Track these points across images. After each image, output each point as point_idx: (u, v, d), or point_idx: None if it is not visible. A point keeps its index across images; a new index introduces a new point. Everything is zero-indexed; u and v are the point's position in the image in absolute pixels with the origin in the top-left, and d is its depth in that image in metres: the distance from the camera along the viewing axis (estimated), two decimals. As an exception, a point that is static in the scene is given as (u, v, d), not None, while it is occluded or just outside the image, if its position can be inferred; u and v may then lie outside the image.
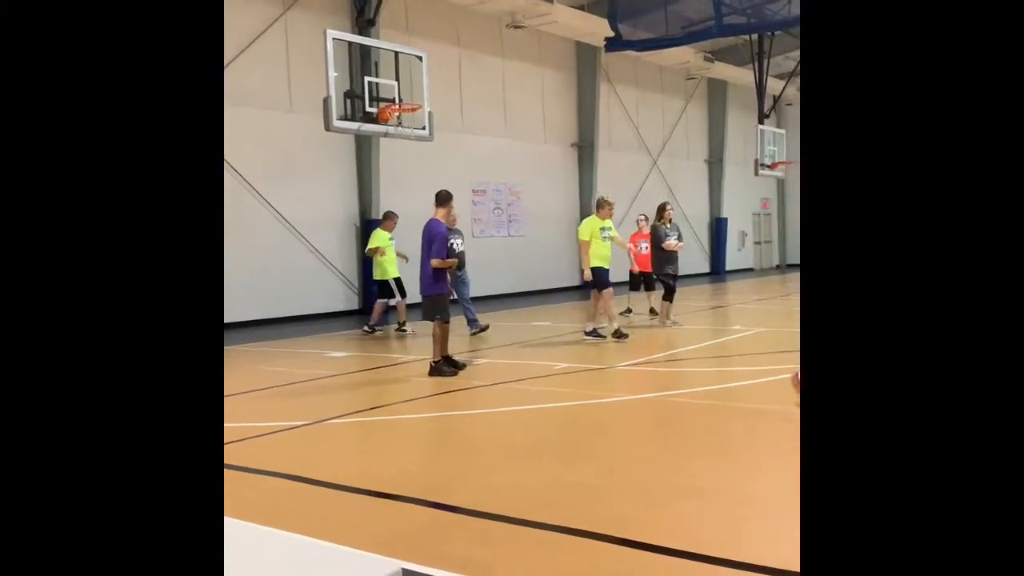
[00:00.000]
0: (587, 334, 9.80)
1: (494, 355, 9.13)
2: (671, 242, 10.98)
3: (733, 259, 26.53)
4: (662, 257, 11.16)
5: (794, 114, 27.86)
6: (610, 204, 10.02)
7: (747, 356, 8.38)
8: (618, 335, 9.51)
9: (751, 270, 27.63)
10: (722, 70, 23.25)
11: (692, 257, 24.99)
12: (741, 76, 23.20)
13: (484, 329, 10.61)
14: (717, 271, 25.49)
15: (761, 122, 20.69)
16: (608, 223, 9.93)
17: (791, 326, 11.45)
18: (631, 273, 13.14)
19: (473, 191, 17.41)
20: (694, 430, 5.36)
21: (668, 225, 11.13)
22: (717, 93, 25.57)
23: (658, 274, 11.34)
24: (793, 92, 25.79)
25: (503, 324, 12.08)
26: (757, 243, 28.61)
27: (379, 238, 11.39)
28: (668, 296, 11.13)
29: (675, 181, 23.93)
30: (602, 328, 9.88)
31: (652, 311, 12.79)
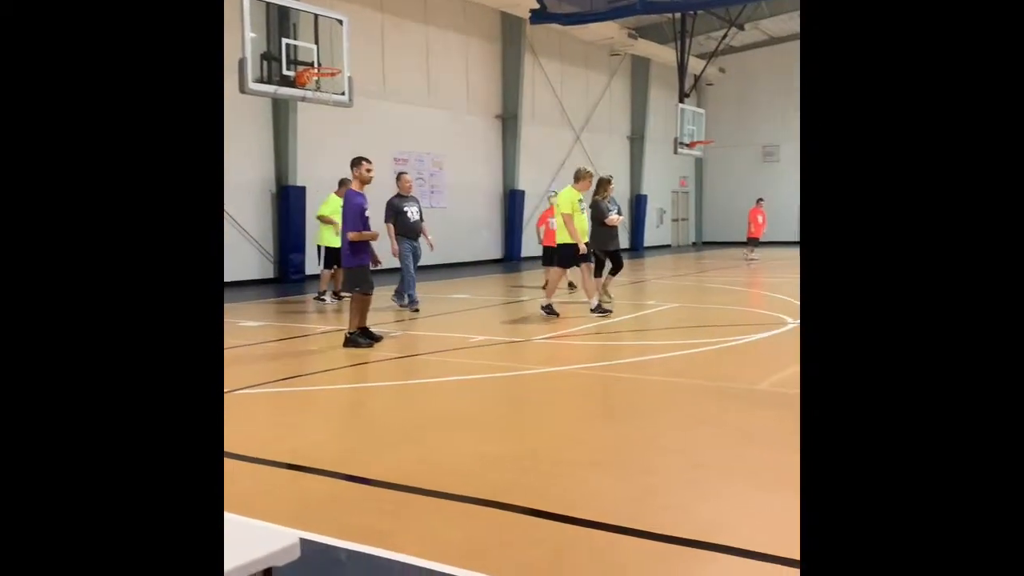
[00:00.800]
0: (593, 311, 9.46)
1: (411, 327, 9.05)
2: (614, 217, 10.65)
3: (651, 236, 27.01)
4: (603, 232, 10.76)
5: (714, 94, 28.40)
6: (590, 175, 9.51)
7: (662, 331, 8.55)
8: (548, 310, 9.38)
9: (668, 247, 28.19)
10: (645, 47, 23.48)
11: (612, 233, 25.33)
12: (663, 54, 23.48)
13: (415, 310, 10.12)
14: (636, 247, 25.90)
15: (682, 101, 21.00)
16: (582, 196, 9.50)
17: (704, 302, 11.75)
18: (544, 248, 13.19)
19: (395, 160, 17.14)
20: (608, 402, 5.44)
21: (608, 200, 10.83)
22: (640, 70, 25.82)
23: (598, 249, 10.84)
24: (713, 72, 26.26)
25: (422, 296, 11.98)
26: (675, 220, 29.17)
27: (333, 204, 10.80)
28: (599, 271, 10.94)
29: (597, 156, 24.10)
30: (606, 303, 9.66)
31: (571, 285, 12.91)
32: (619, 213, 10.83)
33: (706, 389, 5.63)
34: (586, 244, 9.38)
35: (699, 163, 28.95)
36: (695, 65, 23.09)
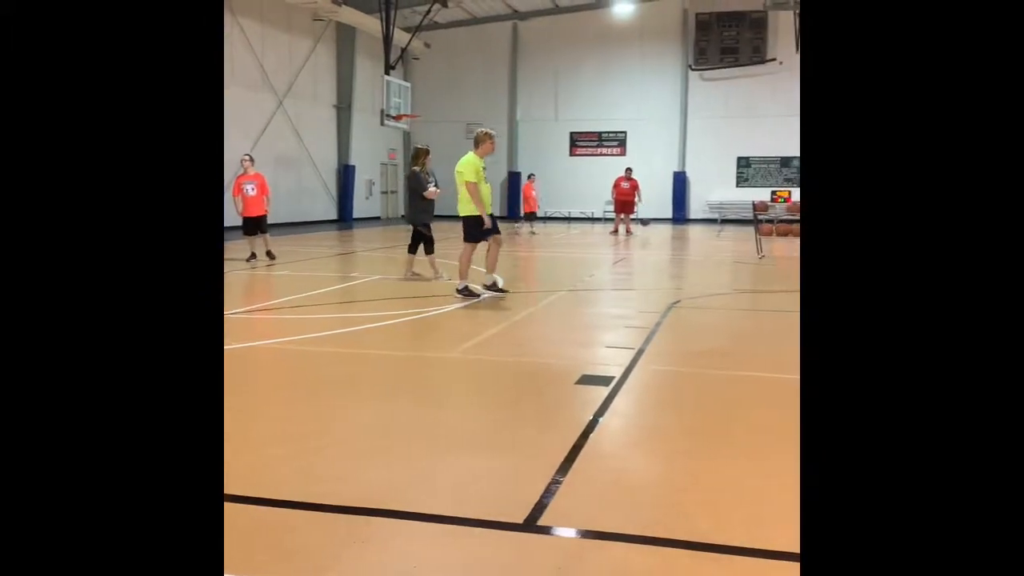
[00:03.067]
0: (487, 287, 8.64)
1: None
2: (433, 189, 10.17)
3: (361, 207, 26.83)
4: (421, 206, 10.21)
5: (420, 68, 28.75)
6: (491, 138, 8.60)
7: (364, 303, 8.51)
8: (465, 292, 8.43)
9: (378, 219, 28.21)
10: (350, 15, 23.05)
11: (320, 204, 24.72)
12: (369, 23, 23.23)
13: None
14: (344, 219, 25.57)
15: (387, 72, 20.97)
16: (484, 162, 8.58)
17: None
18: (244, 218, 12.53)
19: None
20: (296, 377, 5.28)
21: (426, 171, 10.22)
22: (346, 39, 25.34)
23: (416, 224, 10.26)
24: (419, 46, 26.55)
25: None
26: (384, 192, 29.24)
27: None
28: (430, 248, 10.21)
29: (302, 124, 23.35)
30: (473, 282, 8.67)
31: (269, 254, 12.42)
32: (436, 186, 10.29)
33: (399, 359, 5.69)
34: (469, 218, 8.45)
35: (407, 136, 29.22)
36: (401, 38, 23.16)
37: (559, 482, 3.17)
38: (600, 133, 28.22)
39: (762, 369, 5.41)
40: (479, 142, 8.56)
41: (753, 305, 8.96)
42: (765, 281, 11.23)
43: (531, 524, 2.77)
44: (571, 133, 28.61)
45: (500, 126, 29.01)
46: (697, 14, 26.72)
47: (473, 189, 8.35)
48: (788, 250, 15.55)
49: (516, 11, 28.23)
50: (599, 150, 28.28)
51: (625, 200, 20.43)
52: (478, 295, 8.44)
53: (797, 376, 5.45)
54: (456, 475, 3.29)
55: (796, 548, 2.62)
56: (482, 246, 8.76)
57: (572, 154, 28.67)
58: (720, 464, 3.47)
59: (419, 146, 10.57)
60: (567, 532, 2.73)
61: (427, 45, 27.68)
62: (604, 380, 4.95)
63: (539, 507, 2.91)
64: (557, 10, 28.03)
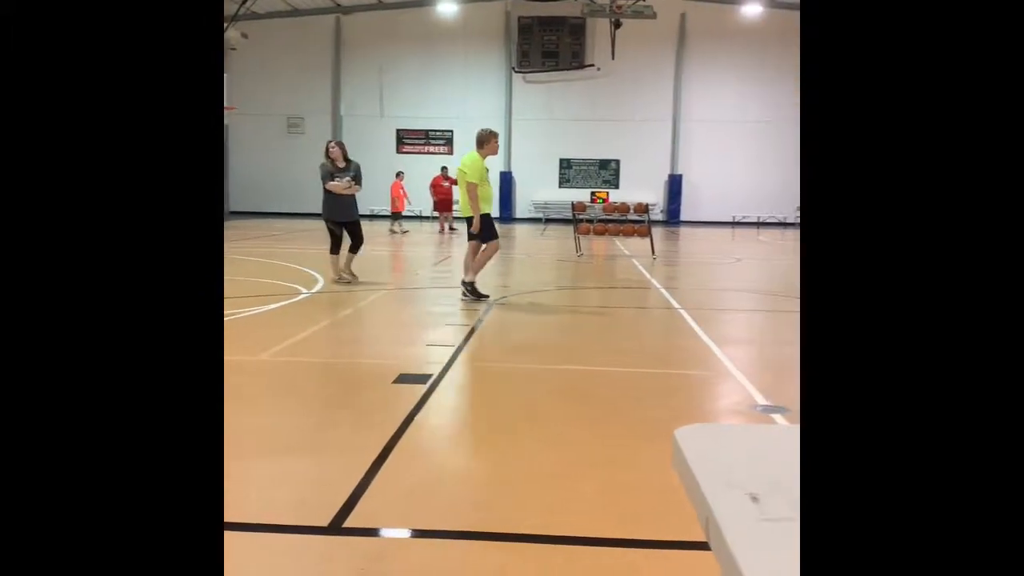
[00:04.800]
0: (467, 288, 8.28)
1: None
2: (337, 183, 9.33)
3: (173, 204, 25.32)
4: (330, 202, 9.46)
5: (237, 59, 27.51)
6: (495, 136, 8.20)
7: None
8: (471, 290, 8.23)
9: (193, 216, 26.74)
10: (160, 0, 21.72)
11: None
12: (181, 10, 21.97)
13: None
14: (155, 216, 24.05)
15: (201, 62, 19.91)
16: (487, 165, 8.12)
17: (236, 274, 11.36)
18: None
19: None
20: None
21: (337, 164, 9.43)
22: (155, 24, 23.84)
23: (327, 220, 9.59)
24: (236, 36, 25.41)
25: None
26: (200, 188, 27.76)
27: None
28: (355, 248, 9.60)
29: (105, 114, 21.69)
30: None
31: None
32: (357, 180, 9.55)
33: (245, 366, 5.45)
34: (481, 217, 8.13)
35: (226, 129, 27.85)
36: (216, 26, 22.04)
37: (368, 483, 3.18)
38: (427, 131, 28.26)
39: (573, 362, 5.66)
40: (483, 142, 8.14)
41: (571, 301, 9.33)
42: (582, 278, 11.72)
43: (336, 526, 2.76)
44: (398, 130, 28.44)
45: (323, 120, 28.34)
46: (519, 17, 27.38)
47: (472, 190, 8.02)
48: (605, 248, 16.32)
49: (339, 5, 27.69)
50: (427, 148, 28.31)
51: (445, 199, 20.58)
52: (486, 296, 8.34)
53: (604, 368, 5.77)
54: (262, 481, 3.22)
55: (586, 532, 2.78)
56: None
57: (399, 151, 28.51)
58: (522, 456, 3.61)
59: (329, 139, 10.00)
60: (372, 533, 2.75)
61: (244, 36, 26.51)
62: (422, 378, 4.99)
63: (346, 509, 2.90)
64: (381, 6, 27.76)
